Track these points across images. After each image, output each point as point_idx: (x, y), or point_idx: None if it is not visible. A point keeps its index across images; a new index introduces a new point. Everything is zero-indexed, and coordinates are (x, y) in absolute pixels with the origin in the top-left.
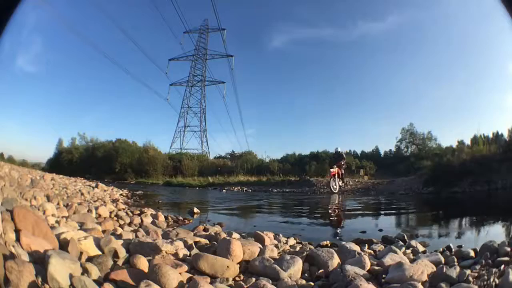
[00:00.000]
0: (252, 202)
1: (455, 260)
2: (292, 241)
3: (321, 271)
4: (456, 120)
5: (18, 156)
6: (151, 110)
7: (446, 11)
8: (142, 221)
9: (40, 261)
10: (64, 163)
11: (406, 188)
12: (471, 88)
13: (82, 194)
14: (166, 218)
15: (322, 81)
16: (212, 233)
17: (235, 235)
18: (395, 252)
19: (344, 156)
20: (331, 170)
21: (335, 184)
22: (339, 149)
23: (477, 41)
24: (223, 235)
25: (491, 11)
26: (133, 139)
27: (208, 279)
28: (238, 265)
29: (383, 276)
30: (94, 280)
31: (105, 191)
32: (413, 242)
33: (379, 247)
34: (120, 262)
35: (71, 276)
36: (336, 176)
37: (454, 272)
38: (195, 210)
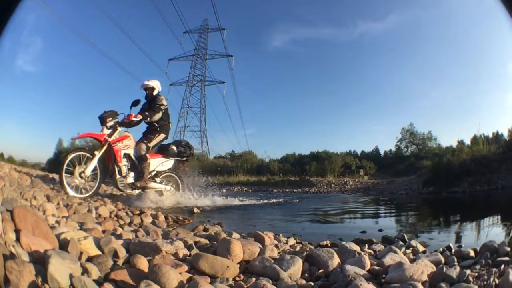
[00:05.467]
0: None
1: (455, 260)
2: (292, 241)
3: (321, 271)
4: (456, 120)
5: (18, 156)
6: None
7: (446, 11)
8: (142, 221)
9: (40, 261)
10: None
11: (406, 188)
12: (471, 88)
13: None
14: (166, 218)
15: (322, 81)
16: (212, 233)
17: (235, 235)
18: (395, 252)
19: (163, 103)
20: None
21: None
22: (151, 83)
23: (477, 41)
24: (223, 235)
25: (491, 11)
26: None
27: (208, 279)
28: (238, 265)
29: (383, 276)
30: (94, 280)
31: (105, 191)
32: (413, 242)
33: (379, 247)
34: (120, 262)
35: (71, 276)
36: (120, 156)
37: (454, 272)
38: (195, 210)
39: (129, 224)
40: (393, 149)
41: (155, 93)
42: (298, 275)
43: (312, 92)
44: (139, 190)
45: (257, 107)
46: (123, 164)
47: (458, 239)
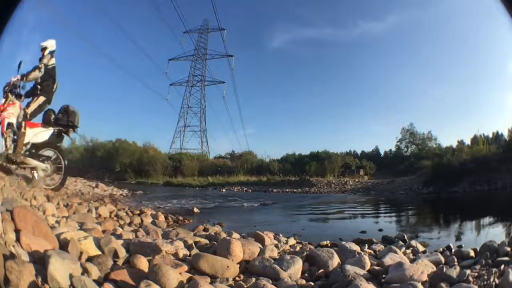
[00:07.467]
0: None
1: (455, 260)
2: (292, 241)
3: (321, 271)
4: (456, 120)
5: None
6: (151, 110)
7: (446, 10)
8: (142, 221)
9: (40, 261)
10: None
11: (406, 188)
12: (471, 88)
13: (82, 194)
14: (166, 218)
15: (322, 81)
16: (212, 233)
17: (235, 235)
18: (395, 252)
19: (45, 61)
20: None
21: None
22: (44, 43)
23: (477, 41)
24: (223, 235)
25: (491, 11)
26: (133, 139)
27: (208, 279)
28: (238, 265)
29: (383, 276)
30: (94, 280)
31: (105, 191)
32: (413, 242)
33: (379, 247)
34: (120, 262)
35: (71, 276)
36: (4, 126)
37: (454, 272)
38: (195, 210)
39: (129, 224)
40: (393, 149)
41: (46, 53)
42: (298, 275)
43: (312, 92)
44: (17, 166)
45: (257, 107)
46: (8, 135)
47: (458, 239)
